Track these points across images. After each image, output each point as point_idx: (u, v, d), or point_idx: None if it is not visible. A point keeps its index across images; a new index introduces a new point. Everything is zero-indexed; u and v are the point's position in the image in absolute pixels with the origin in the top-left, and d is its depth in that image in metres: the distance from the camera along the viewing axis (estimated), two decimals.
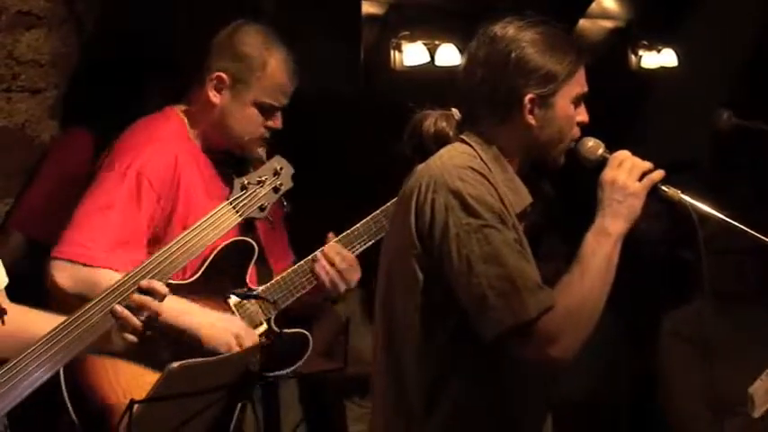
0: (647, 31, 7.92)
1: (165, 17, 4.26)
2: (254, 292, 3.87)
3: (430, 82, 6.02)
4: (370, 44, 6.16)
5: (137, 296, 2.89)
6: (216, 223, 3.31)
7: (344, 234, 3.80)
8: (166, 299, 3.46)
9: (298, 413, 5.15)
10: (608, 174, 2.92)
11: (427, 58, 6.38)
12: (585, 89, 2.98)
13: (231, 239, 3.71)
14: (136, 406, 3.13)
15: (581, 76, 2.97)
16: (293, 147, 3.91)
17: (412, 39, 6.38)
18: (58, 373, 3.35)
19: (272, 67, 3.67)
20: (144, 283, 2.89)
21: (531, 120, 2.96)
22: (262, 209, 3.34)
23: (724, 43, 7.61)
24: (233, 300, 3.77)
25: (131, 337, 2.93)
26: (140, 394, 3.36)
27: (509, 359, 2.94)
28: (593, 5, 7.24)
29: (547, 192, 3.32)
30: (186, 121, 3.73)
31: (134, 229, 3.48)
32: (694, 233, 3.17)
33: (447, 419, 3.03)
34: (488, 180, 3.00)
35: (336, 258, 3.74)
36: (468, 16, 3.71)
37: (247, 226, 3.76)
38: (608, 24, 7.56)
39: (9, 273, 3.08)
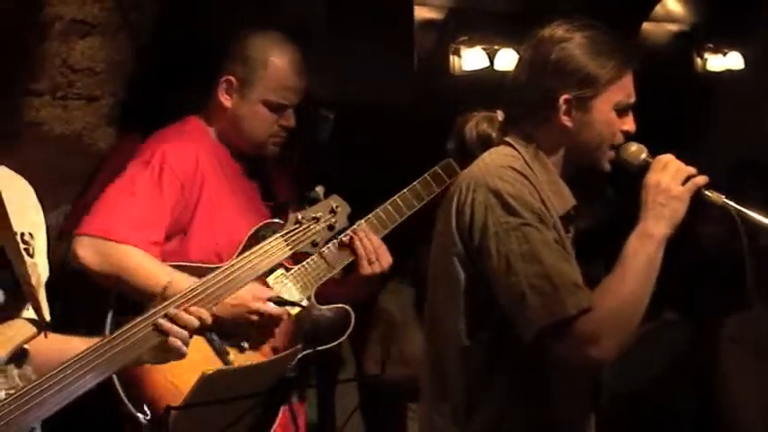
0: (712, 34, 7.82)
1: (217, 26, 4.27)
2: (287, 298, 3.89)
3: (489, 86, 5.86)
4: (428, 49, 6.11)
5: (184, 315, 2.90)
6: (267, 255, 3.26)
7: (371, 215, 3.89)
8: (176, 275, 3.64)
9: (357, 417, 5.21)
10: (652, 177, 2.93)
11: (486, 63, 6.32)
12: (632, 99, 2.99)
13: (264, 222, 3.77)
14: (173, 412, 3.19)
15: (627, 83, 2.98)
16: (348, 151, 4.20)
17: (471, 44, 6.36)
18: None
19: (274, 65, 3.73)
20: (193, 309, 2.90)
21: (567, 121, 2.98)
22: (314, 244, 3.29)
23: None
24: (270, 279, 3.81)
25: (177, 349, 2.91)
26: (184, 372, 3.45)
27: (551, 359, 2.96)
28: (658, 8, 7.17)
29: (609, 195, 3.41)
30: (206, 124, 3.83)
31: (155, 213, 3.53)
32: (739, 237, 3.12)
33: (489, 419, 3.05)
34: (530, 181, 3.01)
35: (370, 236, 3.82)
36: (528, 20, 3.44)
37: (277, 210, 3.88)
38: (673, 28, 7.48)
39: (65, 276, 3.31)
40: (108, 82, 4.45)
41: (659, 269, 2.95)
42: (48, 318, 2.85)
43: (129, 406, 3.56)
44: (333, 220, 3.31)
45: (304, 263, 3.85)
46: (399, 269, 4.62)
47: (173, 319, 2.85)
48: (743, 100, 7.19)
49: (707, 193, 2.91)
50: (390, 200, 3.89)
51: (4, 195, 2.80)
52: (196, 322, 2.85)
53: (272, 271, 3.81)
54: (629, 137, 3.02)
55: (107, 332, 3.58)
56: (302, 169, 4.15)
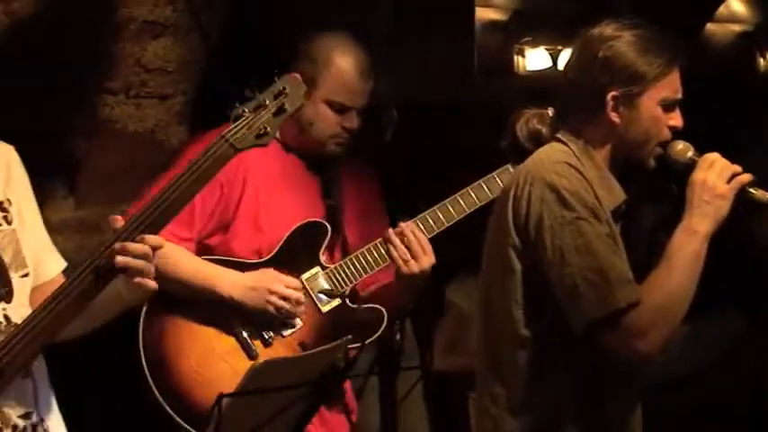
0: None
1: (286, 26, 4.27)
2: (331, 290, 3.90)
3: (553, 85, 6.14)
4: (492, 49, 6.08)
5: (131, 245, 2.78)
6: (210, 156, 3.01)
7: (420, 216, 3.83)
8: (198, 264, 3.74)
9: (422, 408, 5.10)
10: (698, 175, 2.95)
11: (550, 63, 6.22)
12: (678, 95, 3.02)
13: (306, 221, 3.79)
14: (224, 401, 3.10)
15: (674, 79, 3.00)
16: (412, 150, 4.23)
17: (534, 44, 6.27)
18: (138, 346, 3.72)
19: (338, 66, 3.75)
20: (138, 237, 2.79)
21: (614, 117, 3.01)
22: (259, 136, 3.02)
23: None
24: (304, 276, 3.82)
25: (145, 283, 2.83)
26: (210, 363, 3.66)
27: (602, 355, 3.00)
28: (722, 9, 6.95)
29: (671, 191, 3.30)
30: None
31: (188, 211, 3.54)
32: None
33: (543, 412, 3.11)
34: (583, 176, 3.05)
35: (410, 236, 3.77)
36: (589, 20, 3.31)
37: (334, 210, 3.89)
38: (736, 28, 7.31)
39: None
40: (179, 81, 4.51)
41: (703, 264, 2.99)
42: (11, 297, 2.92)
43: (158, 396, 3.64)
44: (281, 102, 3.02)
45: (341, 262, 3.87)
46: (466, 261, 4.26)
47: (124, 252, 2.78)
48: None
49: (751, 190, 2.94)
50: (441, 203, 3.90)
51: None
52: (146, 248, 2.79)
53: (307, 269, 3.86)
54: (676, 132, 3.04)
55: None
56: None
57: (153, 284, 2.77)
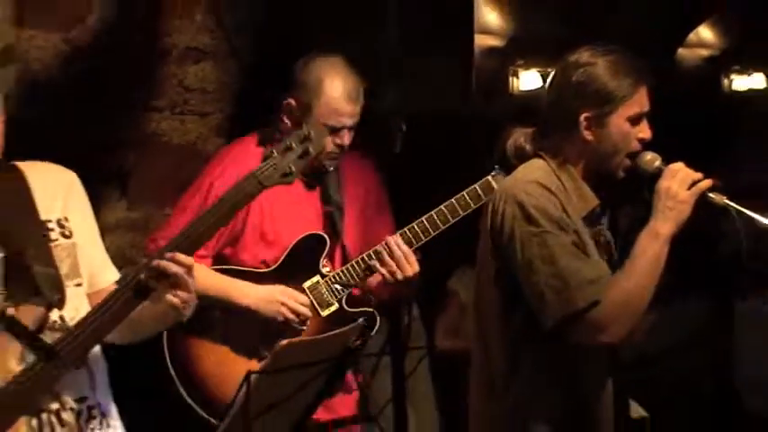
0: (740, 56, 7.81)
1: (309, 48, 4.07)
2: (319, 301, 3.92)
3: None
4: (490, 71, 6.12)
5: (160, 262, 2.82)
6: (238, 191, 3.02)
7: (409, 226, 3.83)
8: (215, 277, 3.73)
9: (428, 384, 5.09)
10: (663, 183, 2.98)
11: (540, 83, 6.32)
12: (645, 108, 3.04)
13: (306, 233, 3.81)
14: (252, 377, 3.06)
15: (641, 97, 3.03)
16: (414, 162, 4.10)
17: (527, 67, 6.36)
18: (164, 356, 3.74)
19: (328, 94, 3.75)
20: (168, 255, 2.83)
21: (587, 136, 3.04)
22: (285, 175, 3.02)
23: None
24: (306, 284, 3.83)
25: (176, 300, 2.88)
26: (227, 363, 3.67)
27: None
28: (691, 35, 7.19)
29: (646, 197, 3.27)
30: (263, 143, 3.90)
31: None
32: (737, 233, 3.19)
33: (523, 386, 3.15)
34: (553, 191, 3.09)
35: (395, 250, 3.77)
36: (578, 44, 3.30)
37: (333, 216, 3.89)
38: (704, 52, 7.47)
39: None
40: (217, 100, 4.60)
41: (663, 263, 3.02)
42: (63, 304, 2.94)
43: (185, 395, 3.69)
44: (306, 146, 3.11)
45: (338, 270, 3.88)
46: (465, 257, 4.44)
47: (157, 271, 2.82)
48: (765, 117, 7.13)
49: (710, 195, 2.99)
50: (427, 215, 3.89)
51: (32, 184, 2.95)
52: (177, 267, 2.82)
53: (307, 278, 3.88)
54: (645, 143, 3.07)
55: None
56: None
57: (194, 298, 2.84)
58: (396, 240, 3.73)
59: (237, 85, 4.68)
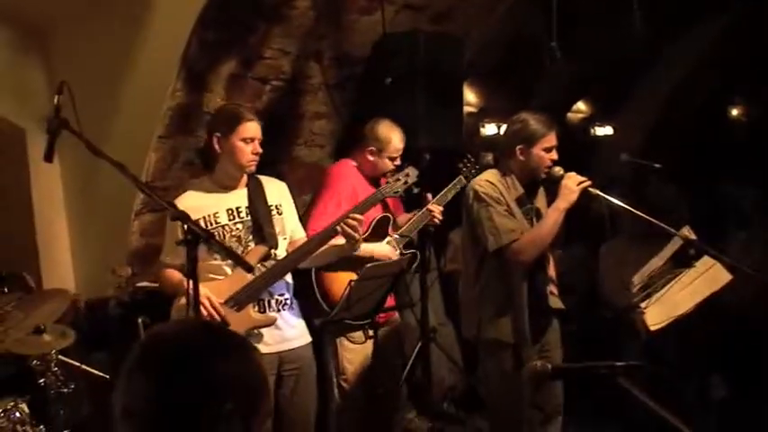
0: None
1: (371, 115, 4.44)
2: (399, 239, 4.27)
3: (497, 143, 5.41)
4: (470, 124, 6.32)
5: (349, 221, 3.47)
6: (382, 192, 3.75)
7: (436, 198, 4.27)
8: (366, 246, 4.00)
9: (438, 293, 5.45)
10: (563, 182, 3.50)
11: (496, 131, 6.58)
12: (554, 143, 3.57)
13: (381, 214, 4.22)
14: (352, 283, 3.64)
15: (550, 137, 3.56)
16: (433, 173, 4.46)
17: (489, 122, 6.59)
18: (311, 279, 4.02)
19: (392, 142, 4.19)
20: (352, 215, 3.48)
21: (520, 158, 3.59)
22: (395, 192, 3.75)
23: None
24: (387, 239, 4.23)
25: (353, 242, 3.50)
26: (340, 285, 3.86)
27: (508, 263, 3.61)
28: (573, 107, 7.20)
29: (555, 191, 3.58)
30: (355, 164, 4.31)
31: (334, 216, 3.79)
32: (604, 216, 4.01)
33: (482, 283, 3.67)
34: (494, 184, 3.56)
35: (437, 207, 4.28)
36: (517, 111, 3.70)
37: (385, 203, 4.26)
38: (580, 115, 7.44)
39: None
40: (328, 140, 5.23)
41: (561, 223, 3.50)
42: (277, 247, 3.44)
43: (321, 301, 4.08)
44: (406, 178, 3.76)
45: (400, 231, 4.26)
46: (457, 219, 4.32)
47: (347, 225, 3.45)
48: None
49: (589, 189, 3.47)
50: (441, 192, 4.31)
51: (265, 187, 3.52)
52: (355, 223, 3.44)
53: (383, 238, 4.22)
54: (554, 161, 3.61)
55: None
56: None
57: (358, 237, 3.47)
58: (434, 207, 4.25)
59: (339, 132, 5.22)
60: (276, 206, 3.57)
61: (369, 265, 3.76)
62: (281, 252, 3.53)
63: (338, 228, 3.44)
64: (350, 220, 3.42)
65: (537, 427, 3.80)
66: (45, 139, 3.60)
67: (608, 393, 3.68)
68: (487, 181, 3.59)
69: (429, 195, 4.26)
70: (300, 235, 3.68)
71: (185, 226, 2.75)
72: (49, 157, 2.89)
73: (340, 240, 3.53)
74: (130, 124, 4.25)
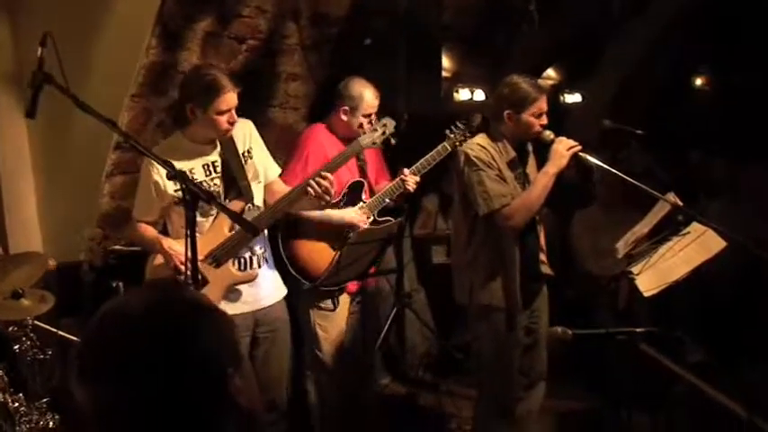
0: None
1: (348, 72, 4.28)
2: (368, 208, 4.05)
3: (469, 108, 6.18)
4: (446, 89, 6.28)
5: (318, 180, 3.39)
6: (360, 141, 3.70)
7: (412, 167, 4.06)
8: (331, 211, 3.90)
9: (408, 249, 5.36)
10: (554, 147, 3.48)
11: (469, 97, 6.58)
12: (544, 109, 3.53)
13: (354, 180, 4.08)
14: (343, 249, 3.72)
15: (541, 102, 3.50)
16: (412, 136, 4.35)
17: (462, 87, 6.47)
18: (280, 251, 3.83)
19: (366, 98, 3.99)
20: (323, 173, 3.41)
21: (509, 123, 3.55)
22: (374, 143, 3.71)
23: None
24: (360, 205, 4.05)
25: (319, 201, 3.43)
26: (323, 258, 3.86)
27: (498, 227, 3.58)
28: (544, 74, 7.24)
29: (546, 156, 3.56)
30: (327, 128, 4.11)
31: (303, 177, 3.70)
32: (576, 183, 4.04)
33: (474, 248, 3.65)
34: (485, 148, 3.54)
35: (413, 177, 4.05)
36: (493, 78, 4.03)
37: (362, 167, 4.11)
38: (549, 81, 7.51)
39: None
40: (303, 102, 5.16)
41: (550, 188, 3.48)
42: (253, 199, 3.37)
43: (292, 270, 3.90)
44: (384, 128, 3.71)
45: (373, 198, 4.06)
46: (430, 186, 4.97)
47: (317, 184, 3.37)
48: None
49: (580, 154, 3.44)
50: (423, 158, 4.06)
51: (234, 136, 3.35)
52: (326, 183, 3.36)
53: (357, 203, 4.03)
54: (545, 126, 3.54)
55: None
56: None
57: (329, 198, 3.41)
58: (411, 172, 4.06)
59: (312, 95, 5.14)
60: (247, 151, 3.50)
61: (361, 229, 3.76)
62: (257, 201, 3.50)
63: (309, 188, 3.38)
64: (320, 180, 3.36)
65: (520, 392, 3.80)
66: (11, 94, 4.12)
67: (589, 360, 4.07)
68: (479, 145, 3.56)
69: (406, 170, 4.12)
70: (274, 172, 3.63)
71: (184, 186, 2.65)
72: (32, 113, 2.71)
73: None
74: (103, 83, 4.07)
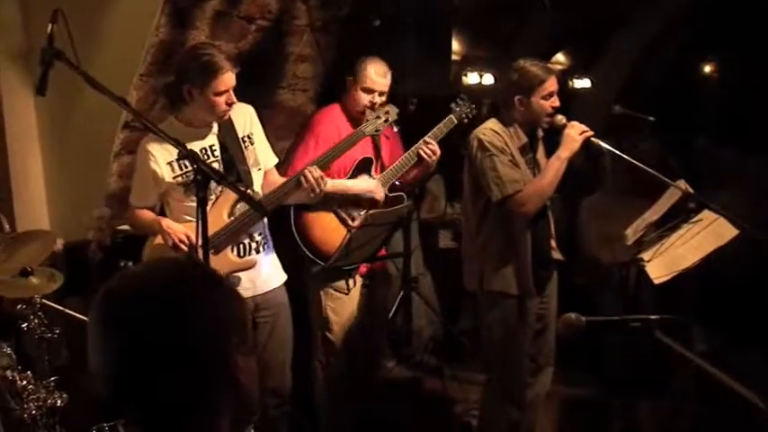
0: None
1: (359, 53, 4.19)
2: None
3: (478, 91, 6.24)
4: (455, 73, 6.27)
5: (309, 175, 3.37)
6: (351, 138, 3.65)
7: (428, 135, 3.97)
8: (340, 182, 3.85)
9: (416, 233, 5.37)
10: (566, 131, 3.45)
11: (478, 80, 6.53)
12: (553, 89, 3.46)
13: (363, 156, 4.00)
14: (352, 231, 3.74)
15: (550, 83, 3.46)
16: (422, 115, 4.45)
17: (471, 71, 6.44)
18: (292, 230, 3.80)
19: (368, 72, 3.91)
20: (309, 168, 3.38)
21: (520, 108, 3.51)
22: (377, 130, 3.63)
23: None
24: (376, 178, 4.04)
25: (313, 196, 3.40)
26: (336, 238, 3.81)
27: (510, 213, 3.54)
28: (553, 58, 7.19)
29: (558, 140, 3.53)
30: (341, 108, 4.07)
31: (312, 158, 3.68)
32: (604, 160, 4.13)
33: (485, 234, 3.64)
34: (498, 133, 3.51)
35: (431, 145, 3.94)
36: (500, 62, 4.03)
37: (376, 145, 4.08)
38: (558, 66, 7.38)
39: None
40: (311, 84, 5.07)
41: (562, 173, 3.44)
42: (252, 184, 3.30)
43: (304, 249, 3.87)
44: (387, 116, 3.65)
45: (385, 172, 4.00)
46: (440, 170, 4.72)
47: (307, 178, 3.36)
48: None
49: (592, 139, 3.41)
50: (434, 128, 4.00)
51: (234, 119, 3.29)
52: (316, 175, 3.35)
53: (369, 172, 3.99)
54: (557, 108, 3.50)
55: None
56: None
57: (319, 192, 3.37)
58: (430, 140, 3.94)
59: (321, 76, 5.06)
60: (247, 137, 3.44)
61: (372, 211, 3.71)
62: (256, 188, 3.44)
63: (301, 180, 3.36)
64: (307, 173, 3.32)
65: (528, 377, 3.79)
66: (20, 73, 4.08)
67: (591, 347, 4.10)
68: (491, 130, 3.53)
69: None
70: (272, 162, 3.58)
71: (194, 165, 2.63)
72: (42, 90, 2.66)
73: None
74: (111, 61, 3.99)
